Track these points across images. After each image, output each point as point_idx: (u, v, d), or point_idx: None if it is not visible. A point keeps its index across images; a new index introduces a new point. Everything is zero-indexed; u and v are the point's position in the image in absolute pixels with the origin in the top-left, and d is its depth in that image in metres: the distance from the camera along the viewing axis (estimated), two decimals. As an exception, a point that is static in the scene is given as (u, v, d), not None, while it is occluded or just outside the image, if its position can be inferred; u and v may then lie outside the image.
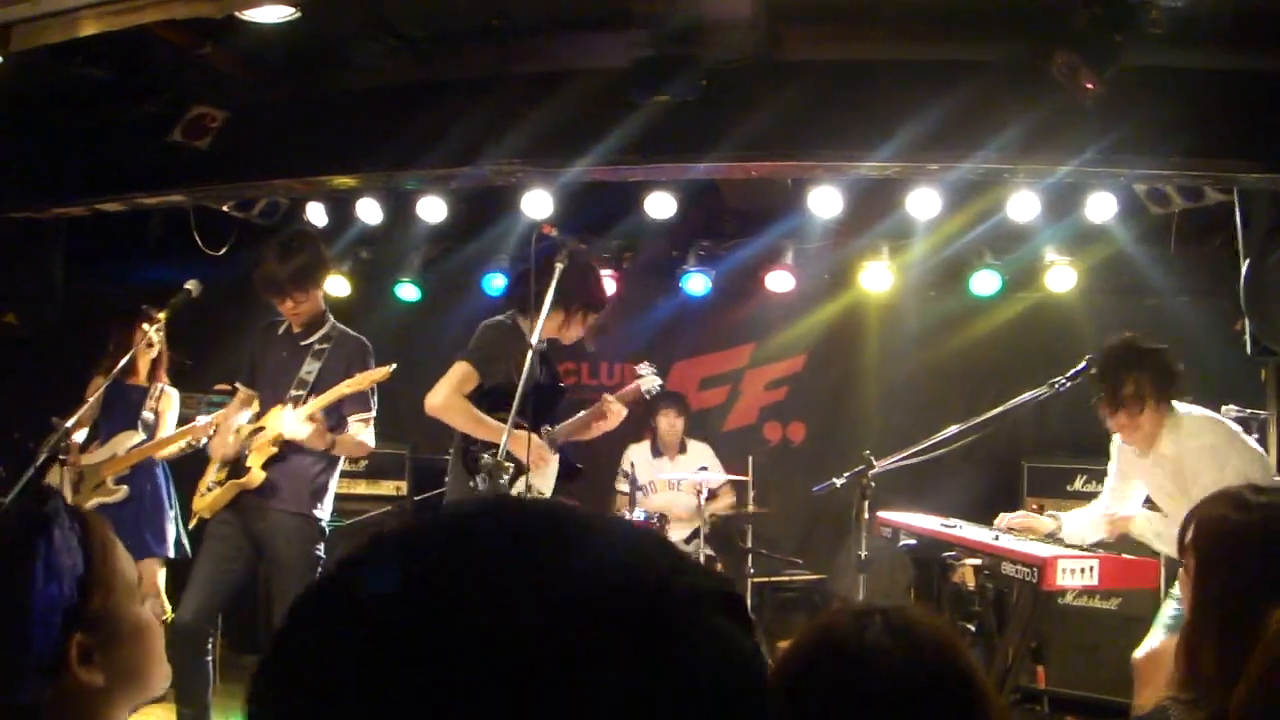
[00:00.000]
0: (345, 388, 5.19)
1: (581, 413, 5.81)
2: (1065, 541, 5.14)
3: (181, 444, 6.48)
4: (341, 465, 5.62)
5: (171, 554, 6.50)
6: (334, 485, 5.53)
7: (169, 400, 6.74)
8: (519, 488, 5.13)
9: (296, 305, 5.38)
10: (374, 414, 5.50)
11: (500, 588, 0.75)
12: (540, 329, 4.96)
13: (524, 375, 4.80)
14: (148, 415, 6.62)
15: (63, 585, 1.53)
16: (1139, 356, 4.95)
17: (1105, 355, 5.05)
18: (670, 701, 0.73)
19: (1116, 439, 5.26)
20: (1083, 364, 5.30)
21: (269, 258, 5.36)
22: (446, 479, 5.48)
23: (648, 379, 5.96)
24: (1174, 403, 4.92)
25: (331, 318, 5.59)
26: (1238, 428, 5.00)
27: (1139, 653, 4.75)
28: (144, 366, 6.62)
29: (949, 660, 1.50)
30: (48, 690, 1.49)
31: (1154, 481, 5.08)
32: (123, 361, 5.90)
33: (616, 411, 5.74)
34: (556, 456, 5.49)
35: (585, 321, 5.57)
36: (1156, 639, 4.67)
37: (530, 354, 4.88)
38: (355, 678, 0.72)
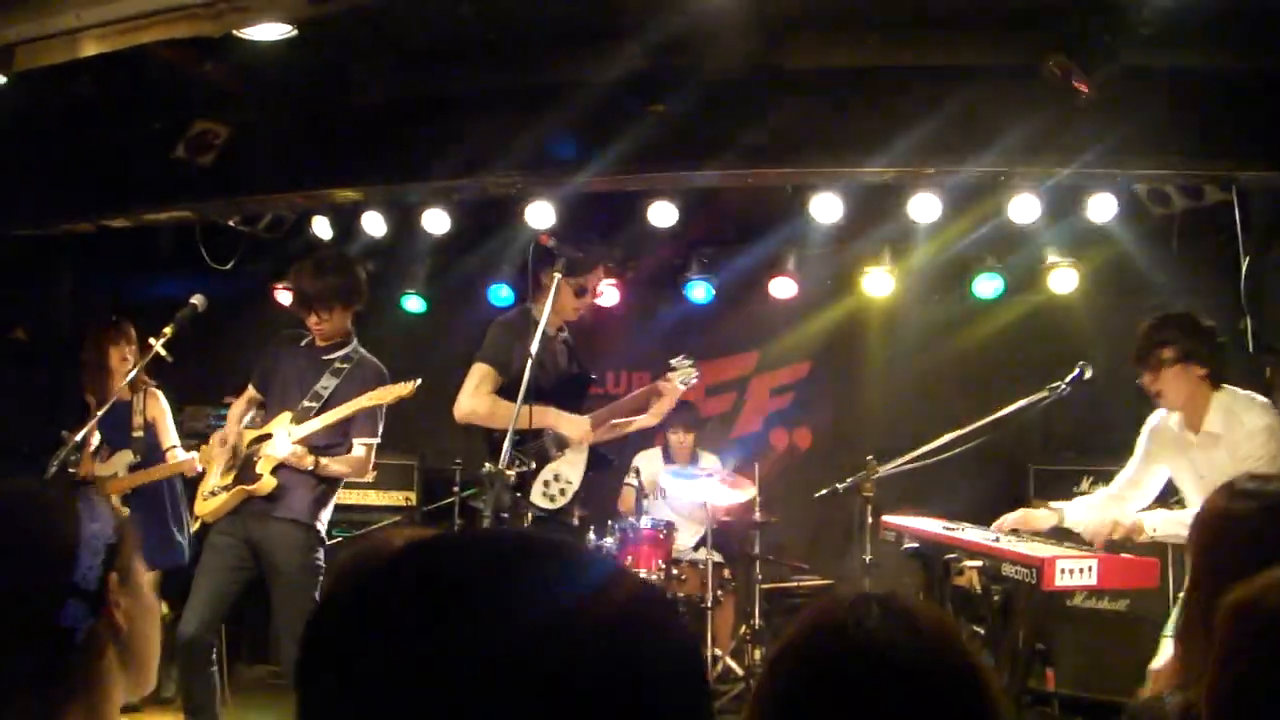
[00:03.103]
0: (366, 400, 5.24)
1: (617, 403, 5.68)
2: (1074, 530, 5.11)
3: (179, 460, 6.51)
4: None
5: (184, 561, 6.52)
6: (334, 497, 5.59)
7: (156, 403, 6.74)
8: (547, 475, 5.19)
9: (320, 321, 5.49)
10: (378, 440, 5.55)
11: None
12: (543, 326, 4.92)
13: (529, 365, 4.79)
14: (137, 432, 6.65)
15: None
16: (1179, 321, 4.91)
17: (1147, 325, 4.99)
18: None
19: (1150, 422, 5.18)
20: (1077, 369, 5.30)
21: (305, 270, 5.54)
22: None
23: (682, 371, 5.65)
24: (1226, 385, 4.85)
25: (356, 341, 5.68)
26: None
27: (1155, 664, 4.70)
28: (120, 380, 6.67)
29: (949, 643, 1.49)
30: (87, 621, 1.58)
31: (1193, 467, 4.95)
32: (128, 378, 6.01)
33: (663, 403, 5.60)
34: (586, 446, 5.37)
35: (581, 289, 5.39)
36: (1170, 648, 4.63)
37: (535, 345, 4.83)
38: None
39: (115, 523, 1.69)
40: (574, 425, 5.25)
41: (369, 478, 6.02)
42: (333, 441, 5.38)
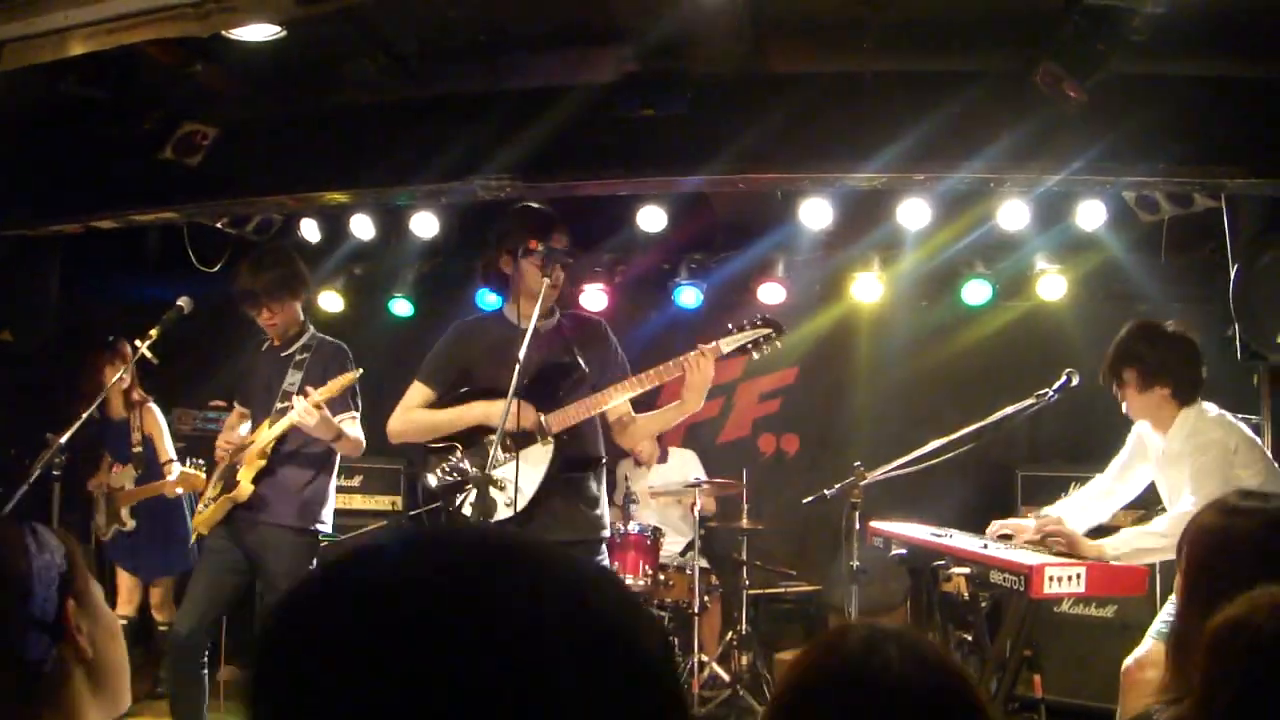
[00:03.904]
0: (320, 394, 5.14)
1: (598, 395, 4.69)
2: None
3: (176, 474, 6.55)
4: (335, 477, 5.64)
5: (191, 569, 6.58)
6: (330, 495, 5.56)
7: (152, 419, 6.85)
8: (499, 476, 4.50)
9: (272, 316, 5.47)
10: (359, 411, 5.50)
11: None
12: (530, 336, 4.44)
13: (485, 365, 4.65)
14: (136, 448, 6.74)
15: (54, 555, 1.66)
16: (1149, 336, 4.91)
17: (1118, 338, 5.01)
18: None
19: (1132, 436, 5.20)
20: (1064, 377, 5.29)
21: (243, 270, 5.48)
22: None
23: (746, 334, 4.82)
24: (1202, 402, 4.84)
25: (311, 328, 5.65)
26: (1253, 435, 4.89)
27: (1129, 660, 4.74)
28: (116, 399, 6.74)
29: (964, 690, 1.50)
30: (52, 650, 1.60)
31: (1166, 478, 4.99)
32: (113, 380, 6.05)
33: (694, 380, 4.63)
34: (549, 446, 4.62)
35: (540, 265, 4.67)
36: (1145, 646, 4.66)
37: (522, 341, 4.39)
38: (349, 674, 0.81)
39: (63, 549, 1.69)
40: (497, 415, 4.41)
41: (357, 481, 5.99)
42: (310, 438, 5.35)
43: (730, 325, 4.83)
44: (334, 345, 5.60)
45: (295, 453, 5.41)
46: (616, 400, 4.69)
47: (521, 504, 4.50)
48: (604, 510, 4.81)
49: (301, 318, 5.63)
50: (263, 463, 5.33)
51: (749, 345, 4.81)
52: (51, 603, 1.61)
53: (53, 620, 1.60)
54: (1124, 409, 5.04)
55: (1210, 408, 4.85)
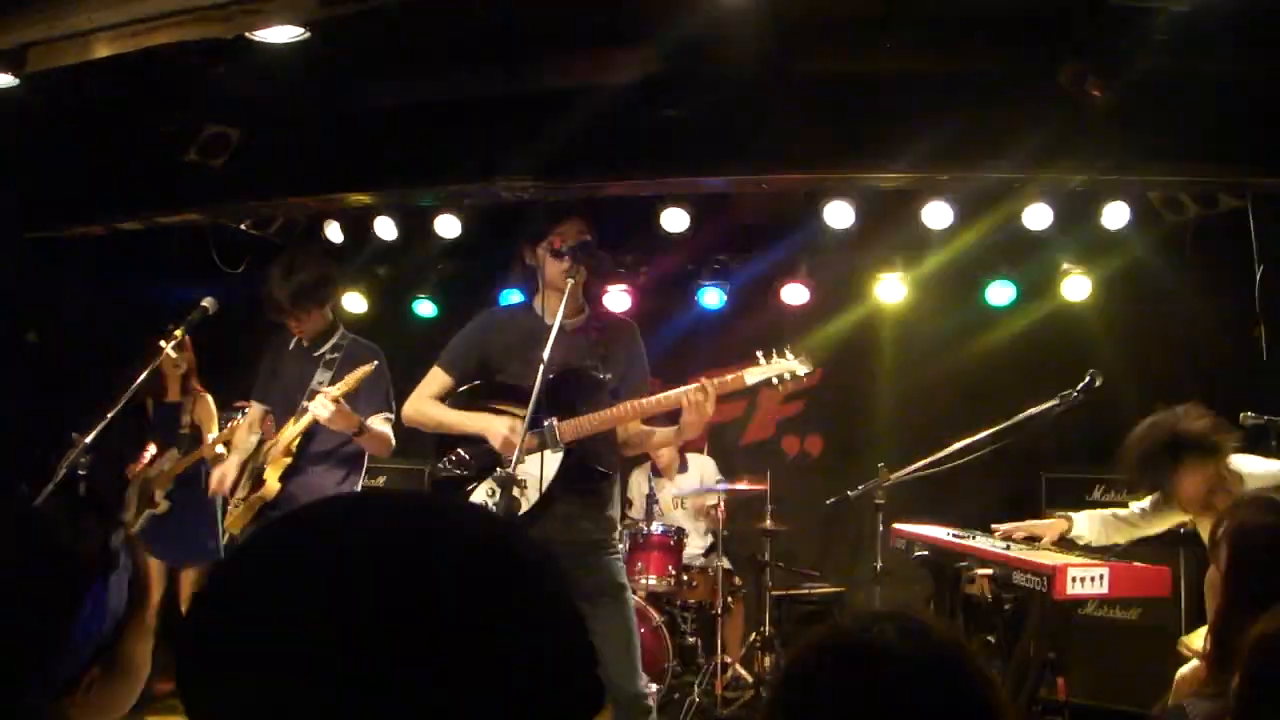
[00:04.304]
0: (338, 389, 5.05)
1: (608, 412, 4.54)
2: (1078, 542, 5.06)
3: (216, 451, 6.53)
4: (363, 478, 5.63)
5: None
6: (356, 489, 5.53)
7: (205, 407, 6.91)
8: (492, 485, 4.49)
9: (300, 323, 5.44)
10: (393, 413, 5.37)
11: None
12: (551, 345, 4.30)
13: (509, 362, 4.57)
14: (184, 431, 6.78)
15: (104, 625, 1.58)
16: (1171, 448, 4.50)
17: (1139, 457, 4.59)
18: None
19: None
20: (1088, 377, 5.23)
21: (272, 276, 5.40)
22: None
23: (774, 365, 4.60)
24: (1232, 457, 4.50)
25: (342, 328, 5.63)
26: None
27: (1185, 669, 4.59)
28: (173, 384, 6.78)
29: (964, 662, 1.49)
30: (47, 705, 1.54)
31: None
32: (139, 379, 6.00)
33: (697, 409, 4.49)
34: (558, 455, 4.50)
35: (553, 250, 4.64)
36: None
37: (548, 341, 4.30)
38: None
39: (140, 575, 1.68)
40: (496, 434, 4.49)
41: (381, 481, 5.99)
42: (342, 438, 5.33)
43: (759, 353, 4.61)
44: (365, 346, 5.56)
45: (325, 453, 5.38)
46: (628, 419, 4.60)
47: (528, 505, 4.44)
48: (615, 515, 4.70)
49: (331, 318, 5.61)
50: (288, 460, 5.31)
51: (774, 379, 4.60)
52: (75, 670, 1.56)
53: (64, 688, 1.55)
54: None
55: (1246, 461, 4.57)
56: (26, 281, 7.42)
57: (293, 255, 5.67)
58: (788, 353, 4.57)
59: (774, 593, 7.55)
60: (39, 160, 6.65)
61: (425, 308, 8.73)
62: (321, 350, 5.52)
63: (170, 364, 6.44)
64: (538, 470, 4.46)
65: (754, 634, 7.44)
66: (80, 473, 5.63)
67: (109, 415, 5.67)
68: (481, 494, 4.55)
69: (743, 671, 7.25)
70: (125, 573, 1.63)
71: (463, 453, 4.66)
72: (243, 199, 6.92)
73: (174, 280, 8.07)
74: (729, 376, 4.57)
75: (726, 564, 7.46)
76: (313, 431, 5.30)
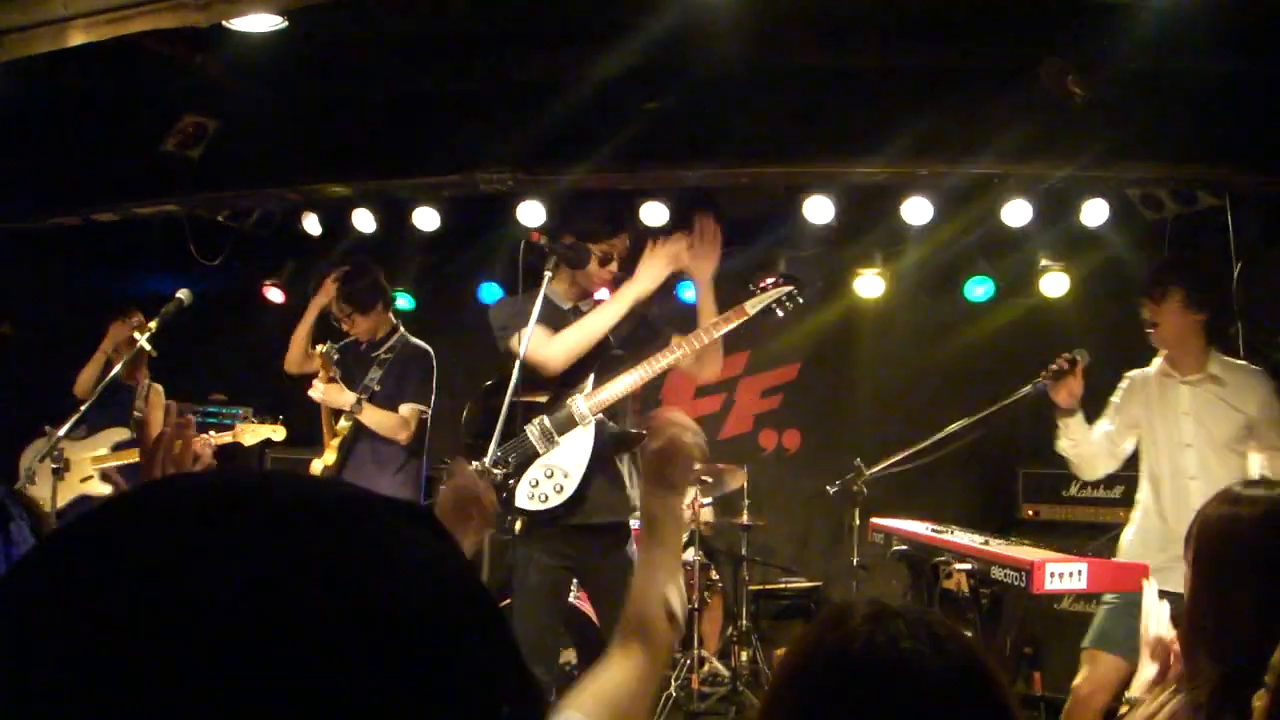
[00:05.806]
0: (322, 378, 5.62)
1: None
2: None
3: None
4: (421, 483, 6.02)
5: None
6: (397, 487, 5.72)
7: (158, 396, 6.79)
8: (536, 473, 4.59)
9: (353, 325, 5.93)
10: (423, 409, 5.81)
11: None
12: (529, 335, 4.47)
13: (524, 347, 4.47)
14: (137, 413, 6.67)
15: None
16: (1193, 269, 5.03)
17: (1161, 261, 5.22)
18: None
19: (1126, 380, 5.17)
20: (1075, 358, 5.22)
21: (331, 277, 6.00)
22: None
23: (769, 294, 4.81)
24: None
25: (401, 330, 6.03)
26: None
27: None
28: (140, 370, 6.71)
29: (977, 662, 1.45)
30: None
31: (1173, 416, 4.93)
32: (115, 369, 5.92)
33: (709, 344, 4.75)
34: (590, 430, 4.62)
35: (606, 256, 4.90)
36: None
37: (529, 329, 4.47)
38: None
39: (41, 524, 1.69)
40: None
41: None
42: (385, 395, 5.75)
43: (751, 286, 4.82)
44: (416, 347, 5.96)
45: (372, 451, 5.76)
46: (650, 374, 4.69)
47: (570, 490, 4.59)
48: (633, 495, 4.72)
49: (387, 317, 6.04)
50: (333, 455, 5.64)
51: (773, 305, 4.83)
52: None
53: None
54: (1151, 336, 4.99)
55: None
56: (1, 274, 7.35)
57: (352, 263, 6.11)
58: (769, 280, 4.85)
59: (751, 587, 7.55)
60: (13, 150, 6.59)
61: (401, 301, 8.68)
62: (377, 351, 5.93)
63: (127, 344, 6.43)
64: (572, 456, 4.61)
65: (730, 628, 7.44)
66: (54, 466, 5.58)
67: (82, 409, 5.64)
68: (524, 486, 4.62)
69: (719, 666, 7.24)
70: (23, 520, 1.65)
71: (498, 451, 4.56)
72: (220, 190, 6.87)
73: (151, 272, 8.04)
74: (730, 313, 4.79)
75: (703, 559, 7.46)
76: (359, 429, 5.74)
